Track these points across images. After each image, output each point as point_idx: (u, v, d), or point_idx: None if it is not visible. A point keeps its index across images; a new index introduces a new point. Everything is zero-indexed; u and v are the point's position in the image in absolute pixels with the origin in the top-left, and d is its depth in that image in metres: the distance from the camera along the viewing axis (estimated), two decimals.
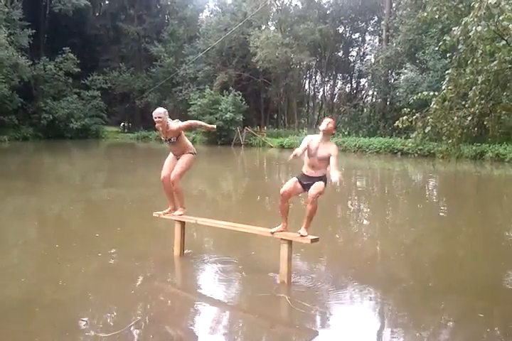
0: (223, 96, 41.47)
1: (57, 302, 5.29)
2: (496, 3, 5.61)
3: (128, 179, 17.99)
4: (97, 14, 57.80)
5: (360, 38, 49.37)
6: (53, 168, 22.04)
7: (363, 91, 50.55)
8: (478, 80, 6.33)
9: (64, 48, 45.16)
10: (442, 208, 13.06)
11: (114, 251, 7.39)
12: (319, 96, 52.98)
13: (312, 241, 5.84)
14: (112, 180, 17.83)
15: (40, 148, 34.91)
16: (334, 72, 49.93)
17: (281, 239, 5.96)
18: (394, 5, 40.55)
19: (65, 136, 43.38)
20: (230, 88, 41.68)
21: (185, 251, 7.06)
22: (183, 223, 7.00)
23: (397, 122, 7.05)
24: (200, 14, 56.33)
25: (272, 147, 38.89)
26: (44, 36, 48.74)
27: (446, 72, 6.85)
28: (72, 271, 6.37)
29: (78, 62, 45.47)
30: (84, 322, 4.77)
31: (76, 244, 7.67)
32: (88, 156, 31.77)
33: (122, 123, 57.17)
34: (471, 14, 5.90)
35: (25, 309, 5.00)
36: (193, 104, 42.83)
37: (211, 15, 52.06)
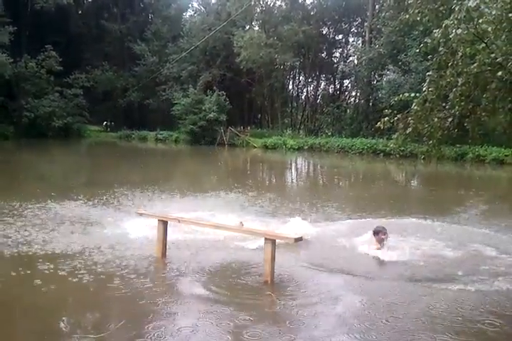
0: (207, 95, 41.41)
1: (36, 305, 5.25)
2: (475, 6, 5.70)
3: (108, 178, 17.83)
4: (80, 12, 57.25)
5: (344, 40, 49.77)
6: (33, 167, 21.76)
7: (346, 93, 50.92)
8: (458, 82, 6.41)
9: (46, 46, 44.70)
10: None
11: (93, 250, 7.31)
12: (303, 97, 53.35)
13: (296, 240, 5.87)
14: (93, 179, 17.71)
15: (20, 147, 34.48)
16: (318, 73, 50.17)
17: (265, 238, 5.98)
18: (377, 7, 40.88)
19: (46, 135, 42.79)
20: (214, 88, 41.66)
21: (167, 252, 7.04)
22: (165, 222, 6.97)
23: (378, 123, 7.11)
24: (184, 13, 56.22)
25: (255, 147, 38.93)
26: (26, 33, 48.07)
27: (427, 73, 6.93)
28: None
29: (60, 60, 45.02)
30: (66, 325, 4.74)
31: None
32: (70, 155, 31.44)
33: (105, 122, 56.66)
34: (452, 17, 5.98)
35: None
36: (176, 104, 42.71)
37: (195, 15, 51.98)
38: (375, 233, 7.56)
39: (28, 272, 6.30)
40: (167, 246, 7.05)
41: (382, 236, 7.49)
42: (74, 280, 5.98)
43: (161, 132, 47.60)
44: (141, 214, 7.73)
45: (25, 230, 8.38)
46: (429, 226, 9.56)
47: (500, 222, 10.02)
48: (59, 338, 4.55)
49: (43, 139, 40.02)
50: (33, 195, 12.35)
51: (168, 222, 7.04)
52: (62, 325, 4.73)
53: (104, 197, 12.29)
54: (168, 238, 7.07)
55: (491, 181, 22.22)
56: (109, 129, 55.75)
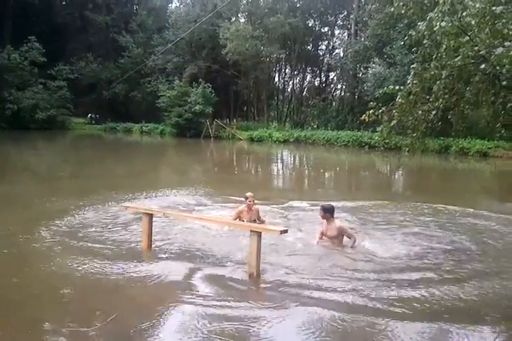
0: (192, 88, 41.18)
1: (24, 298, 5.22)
2: None
3: (92, 171, 17.74)
4: (64, 3, 56.49)
5: (330, 32, 49.62)
6: (16, 160, 21.53)
7: (332, 85, 50.96)
8: (442, 75, 6.46)
9: (29, 37, 44.02)
10: None
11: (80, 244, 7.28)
12: (289, 90, 53.23)
13: (281, 232, 5.88)
14: (77, 172, 17.61)
15: (3, 139, 33.98)
16: (303, 66, 50.10)
17: (251, 230, 5.98)
18: None
19: (30, 127, 42.27)
20: (200, 80, 41.40)
21: (152, 244, 7.02)
22: (150, 215, 6.95)
23: (363, 116, 7.15)
24: (170, 5, 55.85)
25: (241, 140, 38.88)
26: (8, 24, 47.36)
27: (412, 66, 6.97)
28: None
29: (44, 51, 44.38)
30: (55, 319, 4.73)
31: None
32: (54, 148, 31.17)
33: (89, 115, 56.20)
34: (436, 10, 6.02)
35: None
36: (161, 96, 42.44)
37: (180, 6, 51.47)
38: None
39: None
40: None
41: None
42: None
43: (146, 124, 47.33)
44: (126, 208, 7.70)
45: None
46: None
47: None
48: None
49: (26, 131, 39.55)
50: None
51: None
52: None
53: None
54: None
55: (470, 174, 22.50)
56: (93, 122, 55.33)
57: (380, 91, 7.18)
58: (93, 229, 8.14)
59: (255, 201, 8.57)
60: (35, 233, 7.68)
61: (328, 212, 7.34)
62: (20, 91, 44.10)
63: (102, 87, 52.16)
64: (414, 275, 6.13)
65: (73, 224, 8.44)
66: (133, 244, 7.23)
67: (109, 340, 4.33)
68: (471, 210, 10.76)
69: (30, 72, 45.16)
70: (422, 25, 6.23)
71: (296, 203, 11.35)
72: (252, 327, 4.57)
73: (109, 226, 8.35)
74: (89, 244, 7.16)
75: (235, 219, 8.07)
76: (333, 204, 7.78)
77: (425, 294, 5.47)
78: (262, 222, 8.35)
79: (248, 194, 8.39)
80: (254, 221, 8.22)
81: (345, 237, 7.37)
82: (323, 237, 7.49)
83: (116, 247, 7.09)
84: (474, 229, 8.96)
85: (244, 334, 4.43)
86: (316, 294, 5.43)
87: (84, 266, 6.15)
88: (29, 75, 45.19)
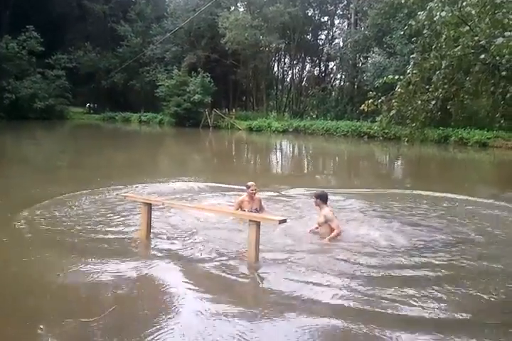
0: (191, 77, 41.03)
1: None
2: None
3: (90, 160, 17.74)
4: None
5: (329, 21, 49.32)
6: (14, 149, 21.52)
7: (331, 75, 50.74)
8: (442, 65, 6.44)
9: (27, 26, 43.69)
10: None
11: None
12: (288, 79, 53.01)
13: (280, 222, 5.90)
14: (75, 161, 17.62)
15: (1, 128, 33.92)
16: (303, 55, 49.88)
17: (249, 220, 6.00)
18: None
19: (28, 117, 42.12)
20: (199, 69, 41.24)
21: (151, 234, 7.04)
22: (149, 205, 6.96)
23: (363, 106, 7.14)
24: None
25: (240, 129, 38.83)
26: (6, 14, 46.98)
27: (411, 56, 6.95)
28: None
29: (42, 40, 44.10)
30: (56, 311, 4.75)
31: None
32: (52, 137, 31.14)
33: (88, 104, 55.97)
34: None
35: None
36: (160, 85, 42.31)
37: None
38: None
39: None
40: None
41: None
42: None
43: (145, 114, 47.22)
44: (125, 197, 7.72)
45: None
46: None
47: None
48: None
49: (25, 121, 39.45)
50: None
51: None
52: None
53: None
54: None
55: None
56: (92, 111, 55.13)
57: (380, 81, 7.16)
58: (91, 219, 8.13)
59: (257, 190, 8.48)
60: (29, 223, 7.69)
61: (319, 198, 7.38)
62: (18, 80, 43.87)
63: (100, 76, 51.93)
64: (412, 270, 6.08)
65: (71, 214, 8.43)
66: (131, 234, 7.23)
67: (110, 331, 4.35)
68: (472, 198, 10.85)
69: (29, 62, 44.92)
70: (422, 15, 6.21)
71: (296, 191, 11.42)
72: (251, 322, 4.59)
73: (107, 216, 8.34)
74: (87, 235, 7.15)
75: (237, 209, 8.00)
76: (333, 192, 7.79)
77: (422, 291, 5.43)
78: (264, 212, 8.28)
79: (250, 183, 8.30)
80: (256, 210, 8.13)
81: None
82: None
83: (114, 238, 7.06)
84: (473, 217, 9.02)
85: (244, 329, 4.41)
86: (314, 290, 5.36)
87: (81, 259, 6.15)
88: (27, 64, 44.95)
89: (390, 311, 4.77)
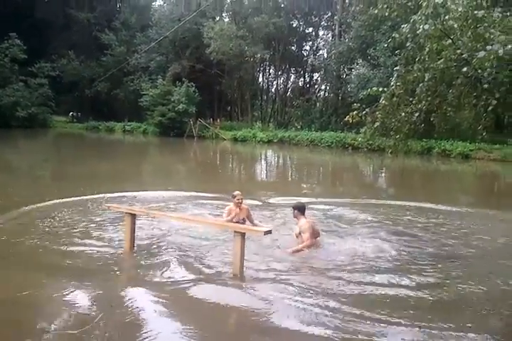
0: (176, 87, 40.97)
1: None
2: (442, 2, 5.80)
3: (73, 170, 17.57)
4: None
5: (314, 33, 49.69)
6: None
7: (316, 86, 51.06)
8: (425, 77, 6.51)
9: (10, 34, 43.31)
10: None
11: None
12: (273, 90, 53.19)
13: (265, 233, 5.87)
14: (57, 171, 17.43)
15: None
16: (288, 66, 50.15)
17: (234, 231, 5.96)
18: (347, 0, 41.10)
19: (10, 125, 41.62)
20: (183, 79, 41.22)
21: (135, 246, 6.94)
22: (133, 215, 6.88)
23: (347, 117, 7.19)
24: (153, 3, 55.32)
25: (225, 140, 38.79)
26: None
27: (395, 68, 7.02)
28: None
29: (25, 48, 43.73)
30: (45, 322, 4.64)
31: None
32: (34, 146, 30.79)
33: (71, 113, 55.53)
34: (419, 12, 6.07)
35: None
36: (144, 95, 42.17)
37: (164, 5, 51.22)
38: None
39: None
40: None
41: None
42: None
43: (129, 123, 46.93)
44: (108, 207, 7.63)
45: None
46: None
47: None
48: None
49: (6, 129, 38.97)
50: None
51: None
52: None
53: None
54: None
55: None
56: (75, 120, 54.68)
57: (364, 93, 7.22)
58: (74, 229, 8.04)
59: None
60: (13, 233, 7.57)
61: (297, 209, 7.42)
62: (0, 88, 43.41)
63: (84, 85, 51.58)
64: (396, 277, 6.15)
65: (55, 225, 8.32)
66: (115, 246, 7.13)
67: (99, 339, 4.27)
68: (454, 209, 10.96)
69: (11, 69, 44.51)
70: (405, 28, 6.28)
71: (279, 200, 11.48)
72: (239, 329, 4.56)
73: (89, 227, 8.25)
74: (69, 246, 7.05)
75: (231, 220, 7.86)
76: (318, 201, 7.79)
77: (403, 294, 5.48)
78: (252, 222, 8.26)
79: (236, 192, 8.23)
80: (244, 220, 8.09)
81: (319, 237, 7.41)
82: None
83: (96, 249, 6.96)
84: (458, 229, 9.11)
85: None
86: (298, 298, 5.36)
87: (65, 267, 6.08)
88: (9, 72, 44.51)
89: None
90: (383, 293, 5.62)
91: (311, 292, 5.56)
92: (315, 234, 7.26)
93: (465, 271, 6.54)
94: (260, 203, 10.98)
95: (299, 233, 7.21)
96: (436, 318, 4.86)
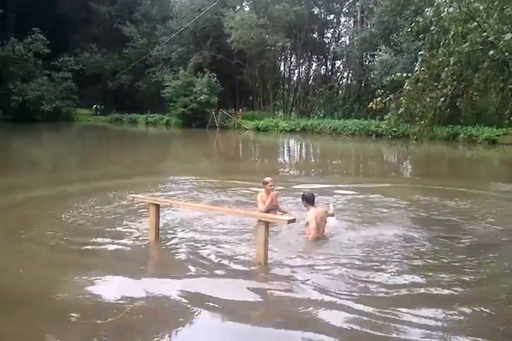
0: (197, 77, 41.02)
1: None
2: None
3: (98, 162, 17.81)
4: None
5: (335, 20, 49.17)
6: (23, 152, 21.60)
7: (338, 73, 50.56)
8: (450, 62, 6.37)
9: (33, 29, 43.82)
10: None
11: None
12: (294, 78, 52.90)
13: (289, 221, 5.85)
14: (83, 163, 17.68)
15: (9, 131, 34.09)
16: (309, 54, 49.74)
17: (258, 220, 5.96)
18: None
19: (35, 119, 42.24)
20: (205, 69, 41.23)
21: (159, 236, 6.97)
22: (157, 206, 6.91)
23: (370, 104, 7.10)
24: None
25: (247, 129, 38.78)
26: (12, 16, 47.15)
27: (419, 53, 6.89)
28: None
29: (48, 42, 44.24)
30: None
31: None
32: (60, 139, 31.26)
33: (94, 106, 56.14)
34: None
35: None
36: (166, 86, 42.32)
37: None
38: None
39: None
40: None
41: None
42: None
43: (152, 115, 47.26)
44: (132, 199, 7.67)
45: None
46: None
47: None
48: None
49: (32, 123, 39.59)
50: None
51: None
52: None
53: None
54: None
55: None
56: (98, 113, 55.27)
57: (388, 79, 7.14)
58: (99, 220, 8.14)
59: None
60: (37, 226, 7.71)
61: (305, 200, 7.34)
62: (25, 83, 43.98)
63: (106, 77, 52.07)
64: (416, 262, 6.09)
65: (78, 217, 8.41)
66: (139, 237, 7.17)
67: (124, 333, 4.32)
68: (482, 192, 10.89)
69: (35, 64, 45.07)
70: (429, 12, 6.15)
71: (305, 187, 11.43)
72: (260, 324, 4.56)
73: (114, 218, 8.33)
74: (95, 237, 7.11)
75: (269, 207, 7.90)
76: (342, 186, 7.71)
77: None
78: (278, 208, 8.27)
79: (267, 179, 8.18)
80: (276, 206, 8.12)
81: (330, 225, 7.39)
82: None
83: (121, 240, 7.00)
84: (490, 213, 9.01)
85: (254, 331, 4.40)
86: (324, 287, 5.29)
87: (91, 261, 6.16)
88: (33, 67, 45.10)
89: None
90: (421, 292, 5.26)
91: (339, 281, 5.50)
92: (318, 226, 7.06)
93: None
94: (287, 189, 10.97)
95: (307, 223, 7.14)
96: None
